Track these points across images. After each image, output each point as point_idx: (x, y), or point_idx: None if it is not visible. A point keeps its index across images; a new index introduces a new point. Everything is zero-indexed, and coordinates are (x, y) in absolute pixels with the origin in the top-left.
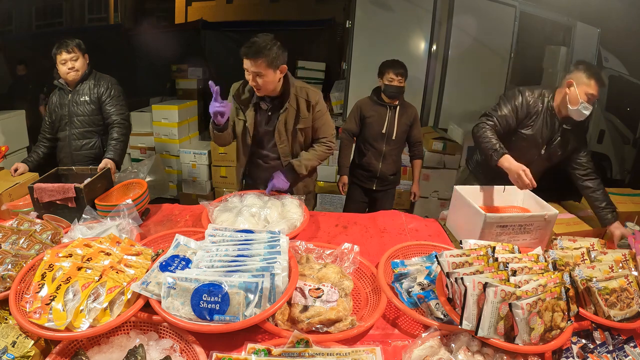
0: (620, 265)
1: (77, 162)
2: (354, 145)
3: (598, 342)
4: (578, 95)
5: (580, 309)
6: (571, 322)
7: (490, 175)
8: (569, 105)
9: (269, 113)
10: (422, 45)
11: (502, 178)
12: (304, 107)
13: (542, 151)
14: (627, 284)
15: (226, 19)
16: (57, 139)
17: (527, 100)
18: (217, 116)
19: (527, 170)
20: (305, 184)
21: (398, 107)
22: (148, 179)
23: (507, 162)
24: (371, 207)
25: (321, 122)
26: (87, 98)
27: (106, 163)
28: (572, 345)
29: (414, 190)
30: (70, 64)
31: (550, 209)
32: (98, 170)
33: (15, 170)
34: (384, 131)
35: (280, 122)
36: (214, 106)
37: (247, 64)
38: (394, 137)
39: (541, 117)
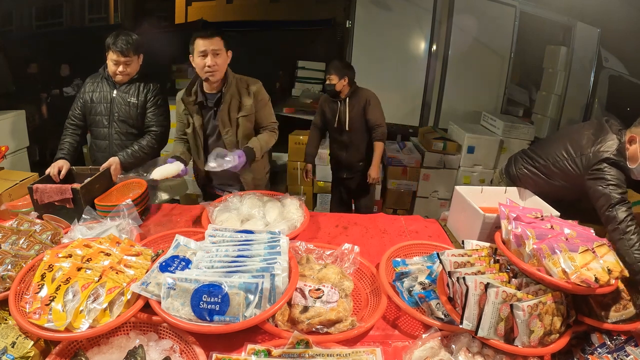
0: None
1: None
2: (319, 137)
3: (597, 344)
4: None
5: (578, 314)
6: (570, 327)
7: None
8: (628, 163)
9: (215, 108)
10: (422, 45)
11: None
12: (245, 95)
13: None
14: (623, 286)
15: (226, 19)
16: (83, 129)
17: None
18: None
19: None
20: (254, 177)
21: (347, 99)
22: (163, 179)
23: None
24: (349, 194)
25: (264, 111)
26: (134, 100)
27: (110, 163)
28: (572, 348)
29: (370, 172)
30: (122, 67)
31: (552, 211)
32: (101, 169)
33: (60, 171)
34: (336, 125)
35: (223, 112)
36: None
37: (204, 44)
38: (347, 128)
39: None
